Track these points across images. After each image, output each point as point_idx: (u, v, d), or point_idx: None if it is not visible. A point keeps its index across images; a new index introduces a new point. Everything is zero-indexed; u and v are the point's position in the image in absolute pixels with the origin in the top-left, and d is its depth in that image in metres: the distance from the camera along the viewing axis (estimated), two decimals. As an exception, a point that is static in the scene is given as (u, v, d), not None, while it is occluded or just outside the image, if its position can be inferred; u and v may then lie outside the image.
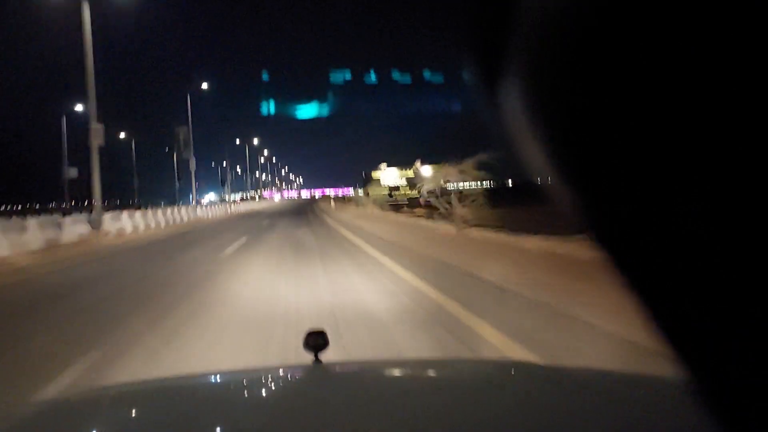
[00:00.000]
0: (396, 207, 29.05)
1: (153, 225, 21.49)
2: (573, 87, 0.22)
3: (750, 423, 0.21)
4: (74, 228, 14.86)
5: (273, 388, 1.23)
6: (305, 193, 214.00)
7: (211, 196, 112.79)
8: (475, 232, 11.07)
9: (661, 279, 0.23)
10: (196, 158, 36.92)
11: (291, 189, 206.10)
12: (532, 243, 8.27)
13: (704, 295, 0.21)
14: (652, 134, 0.20)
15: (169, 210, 25.48)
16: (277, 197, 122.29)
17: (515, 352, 3.39)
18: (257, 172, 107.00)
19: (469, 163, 12.50)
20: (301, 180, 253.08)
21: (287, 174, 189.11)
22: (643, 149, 0.21)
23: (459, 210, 11.99)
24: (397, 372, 1.41)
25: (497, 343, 3.64)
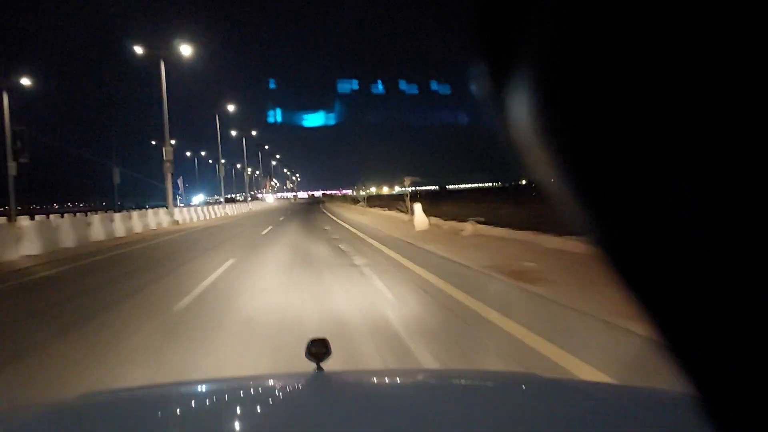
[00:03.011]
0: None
1: (204, 218, 30.37)
2: (577, 95, 0.23)
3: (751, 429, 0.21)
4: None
5: (275, 396, 1.23)
6: (302, 194, 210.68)
7: (199, 198, 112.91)
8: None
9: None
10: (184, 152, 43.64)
11: (287, 189, 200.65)
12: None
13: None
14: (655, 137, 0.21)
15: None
16: (270, 198, 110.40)
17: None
18: (251, 167, 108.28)
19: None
20: (298, 177, 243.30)
21: (277, 166, 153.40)
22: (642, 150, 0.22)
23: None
24: (399, 381, 1.40)
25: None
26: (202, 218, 30.48)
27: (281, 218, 28.32)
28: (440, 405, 1.08)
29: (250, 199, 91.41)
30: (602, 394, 1.21)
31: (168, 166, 25.21)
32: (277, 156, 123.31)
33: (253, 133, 60.89)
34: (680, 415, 0.80)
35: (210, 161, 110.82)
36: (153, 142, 63.91)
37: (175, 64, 27.82)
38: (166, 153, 25.10)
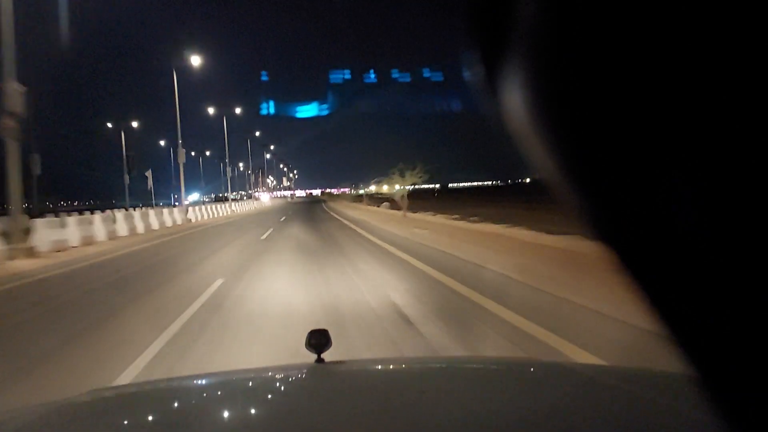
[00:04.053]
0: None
1: (129, 232, 17.48)
2: (572, 83, 0.22)
3: (752, 419, 0.21)
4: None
5: (276, 387, 1.22)
6: (300, 192, 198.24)
7: (194, 197, 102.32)
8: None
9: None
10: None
11: (284, 187, 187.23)
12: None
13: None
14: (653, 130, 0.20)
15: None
16: (265, 197, 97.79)
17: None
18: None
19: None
20: (295, 174, 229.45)
21: (272, 161, 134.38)
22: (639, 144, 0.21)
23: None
24: (401, 371, 1.39)
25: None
26: (124, 233, 16.82)
27: (265, 234, 14.80)
28: (443, 392, 1.07)
29: (245, 197, 78.46)
30: (606, 377, 1.20)
31: (8, 127, 11.46)
32: (271, 147, 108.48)
33: (237, 110, 46.64)
34: (688, 396, 0.81)
35: (200, 158, 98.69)
36: (109, 124, 50.10)
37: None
38: (7, 97, 11.38)
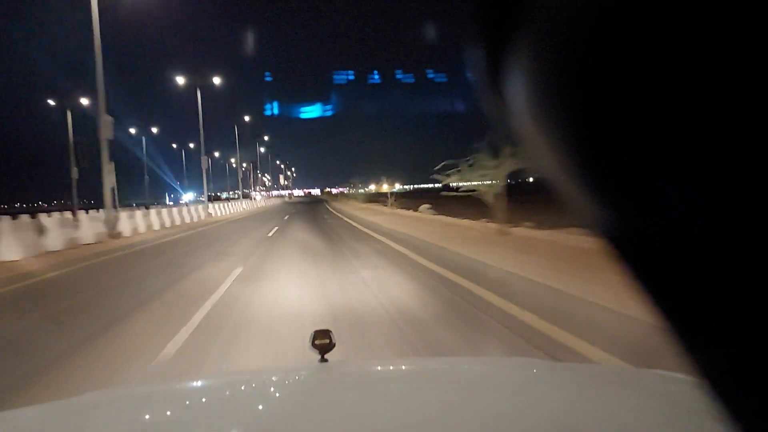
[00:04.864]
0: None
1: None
2: (578, 82, 0.22)
3: (754, 419, 0.21)
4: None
5: (279, 388, 1.21)
6: (298, 192, 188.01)
7: (189, 197, 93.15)
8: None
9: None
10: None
11: (280, 186, 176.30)
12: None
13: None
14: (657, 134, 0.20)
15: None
16: (258, 197, 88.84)
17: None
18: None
19: None
20: (293, 173, 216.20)
21: (268, 156, 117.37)
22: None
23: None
24: (404, 371, 1.40)
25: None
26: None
27: (213, 298, 4.45)
28: (447, 393, 1.07)
29: (240, 197, 68.82)
30: (608, 377, 1.22)
31: None
32: (266, 138, 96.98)
33: (216, 80, 35.73)
34: (683, 396, 0.85)
35: (182, 150, 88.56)
36: (52, 102, 39.34)
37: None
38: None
